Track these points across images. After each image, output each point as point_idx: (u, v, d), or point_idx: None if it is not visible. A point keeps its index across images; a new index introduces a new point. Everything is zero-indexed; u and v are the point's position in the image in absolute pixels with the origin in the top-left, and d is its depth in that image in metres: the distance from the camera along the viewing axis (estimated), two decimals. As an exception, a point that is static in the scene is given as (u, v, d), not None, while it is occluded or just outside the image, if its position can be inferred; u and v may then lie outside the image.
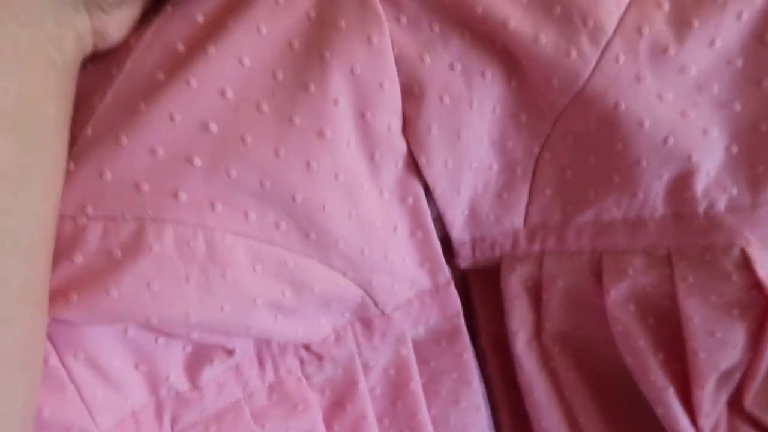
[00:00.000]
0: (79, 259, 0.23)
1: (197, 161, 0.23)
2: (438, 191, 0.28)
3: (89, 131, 0.23)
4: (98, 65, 0.25)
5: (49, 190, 0.22)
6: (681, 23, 0.25)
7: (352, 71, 0.25)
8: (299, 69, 0.24)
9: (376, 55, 0.25)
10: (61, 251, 0.23)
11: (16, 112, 0.20)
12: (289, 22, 0.24)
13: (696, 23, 0.25)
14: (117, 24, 0.24)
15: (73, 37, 0.23)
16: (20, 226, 0.21)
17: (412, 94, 0.26)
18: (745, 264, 0.28)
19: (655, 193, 0.28)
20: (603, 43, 0.24)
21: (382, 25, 0.25)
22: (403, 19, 0.25)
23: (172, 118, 0.23)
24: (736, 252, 0.28)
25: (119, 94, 0.24)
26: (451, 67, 0.25)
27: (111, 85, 0.24)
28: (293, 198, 0.25)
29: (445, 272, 0.31)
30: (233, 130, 0.24)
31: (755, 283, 0.28)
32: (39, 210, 0.22)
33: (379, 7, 0.25)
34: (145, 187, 0.23)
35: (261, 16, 0.24)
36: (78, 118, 0.24)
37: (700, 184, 0.27)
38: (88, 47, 0.24)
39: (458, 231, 0.30)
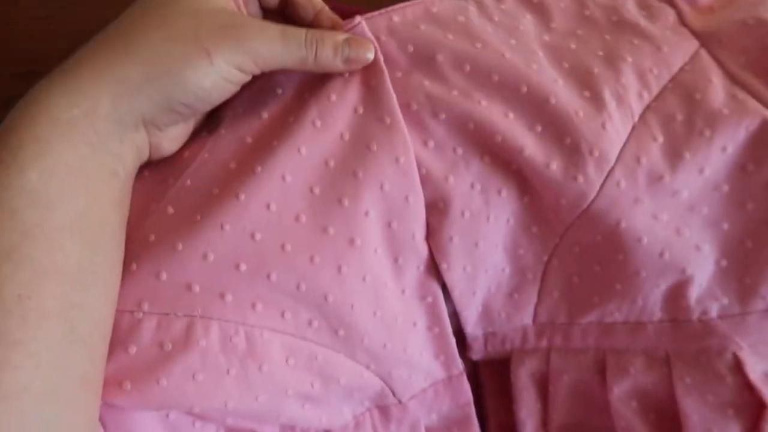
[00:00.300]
0: (133, 350, 0.25)
1: (243, 266, 0.26)
2: (456, 293, 0.30)
3: (151, 237, 0.26)
4: (155, 174, 0.28)
5: (109, 288, 0.25)
6: (674, 155, 0.28)
7: (381, 187, 0.28)
8: (334, 185, 0.27)
9: (403, 174, 0.28)
10: (118, 342, 0.25)
11: (83, 220, 0.23)
12: (326, 144, 0.28)
13: (687, 155, 0.28)
14: (171, 139, 0.27)
15: (133, 151, 0.26)
16: (84, 320, 0.23)
17: (436, 208, 0.29)
18: (738, 367, 0.30)
19: (653, 300, 0.30)
20: (606, 170, 0.28)
21: (408, 147, 0.28)
22: (431, 143, 0.28)
23: (222, 228, 0.26)
24: (728, 356, 0.30)
25: (178, 205, 0.27)
26: (472, 186, 0.29)
27: (167, 194, 0.27)
28: (325, 298, 0.27)
29: (459, 364, 0.33)
30: (275, 239, 0.26)
31: (747, 385, 0.30)
32: (100, 306, 0.24)
33: (406, 131, 0.28)
34: (196, 288, 0.26)
35: (301, 138, 0.27)
36: (135, 221, 0.27)
37: (694, 293, 0.30)
38: (144, 158, 0.27)
39: (472, 327, 0.33)
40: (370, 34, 0.29)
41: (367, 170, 0.28)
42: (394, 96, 0.28)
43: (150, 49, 0.24)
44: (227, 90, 0.26)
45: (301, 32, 0.27)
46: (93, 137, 0.24)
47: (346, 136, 0.28)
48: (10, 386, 0.20)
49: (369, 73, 0.28)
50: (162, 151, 0.28)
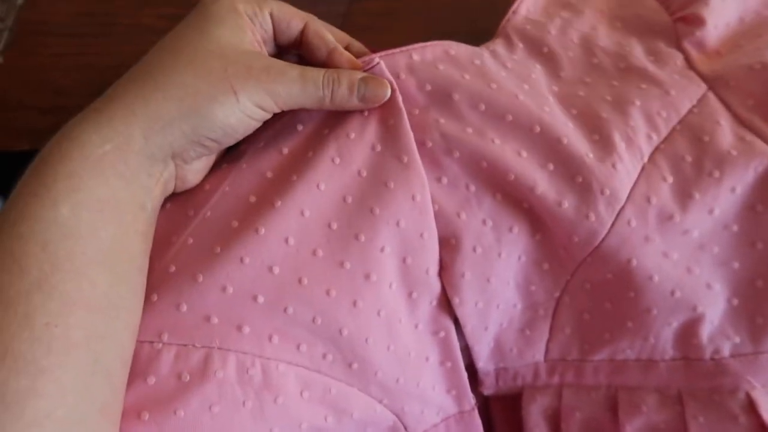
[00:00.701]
0: (152, 380, 0.25)
1: (260, 299, 0.27)
2: (468, 328, 0.31)
3: (172, 268, 0.27)
4: (176, 205, 0.29)
5: (131, 318, 0.25)
6: (684, 195, 0.29)
7: (397, 224, 0.28)
8: (351, 221, 0.28)
9: (418, 211, 0.29)
10: (138, 372, 0.25)
11: (111, 252, 0.24)
12: (344, 180, 0.29)
13: (697, 195, 0.29)
14: (195, 171, 0.28)
15: (160, 185, 0.27)
16: (107, 350, 0.24)
17: (449, 244, 0.29)
18: (751, 407, 0.30)
19: (665, 337, 0.30)
20: (617, 209, 0.28)
21: (425, 185, 0.29)
22: (444, 180, 0.29)
23: (242, 261, 0.27)
24: (741, 395, 0.30)
25: (198, 237, 0.27)
26: (484, 222, 0.29)
27: (189, 226, 0.28)
28: (340, 332, 0.28)
29: (470, 399, 0.33)
30: (292, 272, 0.27)
31: (761, 425, 0.30)
32: (123, 337, 0.25)
33: (422, 170, 0.29)
34: (215, 319, 0.26)
35: (321, 174, 0.28)
36: (156, 251, 0.28)
37: (706, 331, 0.30)
38: (170, 191, 0.28)
39: (484, 362, 0.33)
40: (388, 74, 0.30)
41: (384, 207, 0.28)
42: (411, 134, 0.29)
43: (180, 87, 0.25)
44: (251, 126, 0.27)
45: (319, 73, 0.28)
46: (125, 171, 0.25)
47: (364, 173, 0.29)
48: (35, 413, 0.21)
49: (387, 111, 0.29)
50: (186, 183, 0.28)
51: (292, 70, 0.27)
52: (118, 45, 0.51)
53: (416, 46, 0.31)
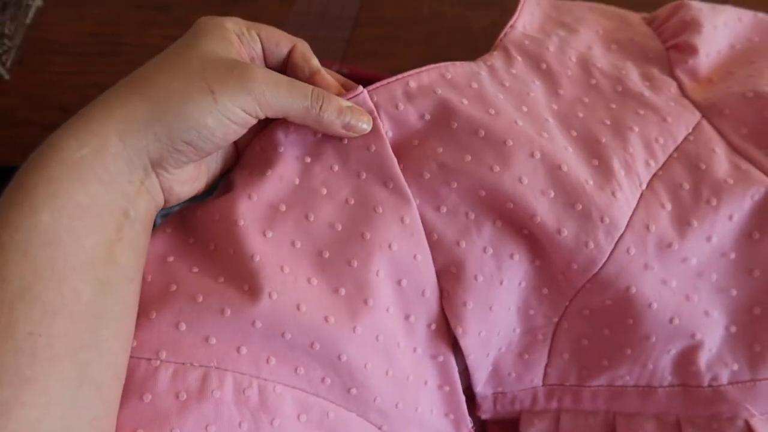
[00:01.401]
0: (148, 398, 0.25)
1: (258, 324, 0.27)
2: (471, 357, 0.31)
3: (173, 287, 0.27)
4: (177, 232, 0.30)
5: (121, 329, 0.25)
6: (682, 222, 0.29)
7: (390, 247, 0.29)
8: (344, 247, 0.28)
9: (409, 233, 0.29)
10: (134, 389, 0.25)
11: (94, 259, 0.24)
12: (333, 209, 0.29)
13: (695, 222, 0.29)
14: (182, 182, 0.28)
15: (144, 195, 0.27)
16: (94, 361, 0.23)
17: (449, 273, 0.30)
18: (750, 435, 0.30)
19: (663, 364, 0.30)
20: (616, 237, 0.28)
21: (412, 207, 0.29)
22: (443, 209, 0.29)
23: (241, 289, 0.27)
24: (740, 423, 0.30)
25: (202, 265, 0.28)
26: (484, 250, 0.29)
27: (190, 253, 0.29)
28: (339, 358, 0.28)
29: (468, 423, 0.33)
30: (290, 299, 0.27)
31: (760, 454, 0.30)
32: (112, 348, 0.24)
33: (409, 193, 0.29)
34: (213, 340, 0.26)
35: (309, 207, 0.29)
36: (155, 268, 0.28)
37: (704, 359, 0.30)
38: (160, 203, 0.28)
39: (482, 386, 0.33)
40: (370, 103, 0.30)
41: (375, 231, 0.29)
42: (394, 159, 0.30)
43: (155, 88, 0.25)
44: (231, 130, 0.27)
45: (308, 86, 0.28)
46: (104, 175, 0.25)
47: (352, 201, 0.29)
48: (20, 425, 0.20)
49: (369, 139, 0.30)
50: (175, 194, 0.28)
51: (281, 76, 0.27)
52: (123, 65, 0.52)
53: (411, 72, 0.31)
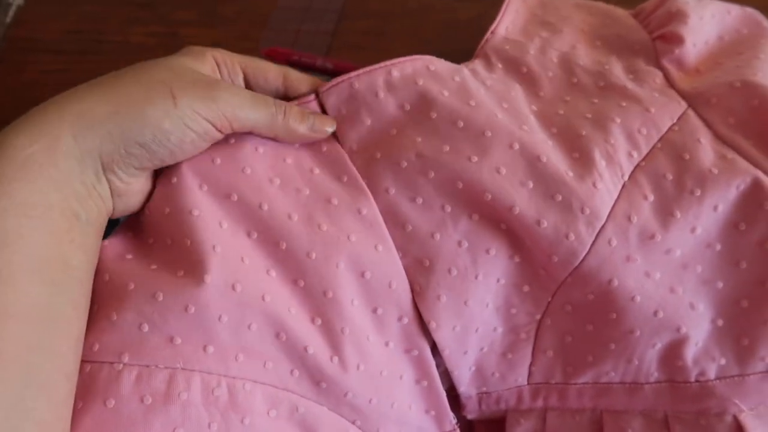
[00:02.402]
0: (111, 403, 0.24)
1: (224, 317, 0.26)
2: (446, 352, 0.30)
3: (131, 285, 0.26)
4: (135, 232, 0.29)
5: (72, 330, 0.24)
6: (665, 213, 0.28)
7: (348, 238, 0.28)
8: (300, 239, 0.28)
9: (368, 224, 0.29)
10: (96, 394, 0.24)
11: (43, 259, 0.23)
12: (287, 200, 0.28)
13: (678, 213, 0.28)
14: (133, 193, 0.28)
15: (95, 198, 0.26)
16: (41, 362, 0.23)
17: (422, 265, 0.29)
18: (739, 431, 0.29)
19: (649, 359, 0.30)
20: (597, 228, 0.28)
21: (369, 199, 0.29)
22: (419, 200, 0.29)
23: (203, 281, 0.26)
24: (728, 419, 0.30)
25: (160, 261, 0.27)
26: (459, 244, 0.29)
27: (149, 250, 0.28)
28: (306, 350, 0.27)
29: (451, 419, 0.32)
30: (254, 290, 0.26)
31: (749, 450, 0.29)
32: (60, 349, 0.24)
33: (364, 186, 0.29)
34: (178, 340, 0.25)
35: (262, 195, 0.28)
36: (112, 267, 0.27)
37: (690, 353, 0.29)
38: (109, 209, 0.27)
39: (465, 386, 0.32)
40: (319, 111, 0.31)
41: (332, 223, 0.28)
42: (347, 158, 0.30)
43: (116, 89, 0.25)
44: (188, 137, 0.26)
45: (268, 96, 0.29)
46: (54, 173, 0.24)
47: (306, 192, 0.29)
48: None
49: (321, 142, 0.30)
50: (126, 203, 0.28)
51: (244, 89, 0.28)
52: (106, 63, 0.51)
53: (396, 61, 0.31)
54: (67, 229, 0.24)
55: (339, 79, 0.30)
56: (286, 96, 0.31)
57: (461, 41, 0.50)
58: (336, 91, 0.30)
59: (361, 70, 0.30)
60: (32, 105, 0.50)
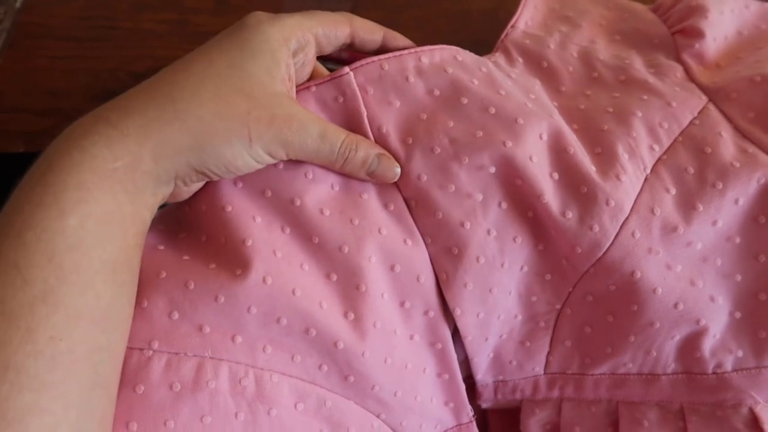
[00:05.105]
0: (141, 389, 0.24)
1: (253, 309, 0.26)
2: (469, 339, 0.30)
3: (163, 273, 0.26)
4: (169, 226, 0.29)
5: (127, 329, 0.25)
6: (687, 206, 0.28)
7: (379, 231, 0.28)
8: (333, 233, 0.28)
9: (396, 219, 0.29)
10: (126, 380, 0.25)
11: (115, 263, 0.24)
12: (319, 194, 0.28)
13: (700, 206, 0.28)
14: (191, 191, 0.28)
15: (160, 200, 0.27)
16: (105, 362, 0.23)
17: (451, 253, 0.29)
18: (754, 423, 0.30)
19: (667, 351, 0.30)
20: (621, 220, 0.28)
21: (395, 193, 0.29)
22: (451, 188, 0.29)
23: (234, 273, 0.26)
24: (744, 411, 0.30)
25: (193, 254, 0.27)
26: (488, 232, 0.29)
27: (181, 243, 0.28)
28: (335, 345, 0.27)
29: (469, 412, 0.33)
30: (285, 284, 0.26)
31: (764, 441, 0.30)
32: (119, 348, 0.24)
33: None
34: (207, 329, 0.26)
35: (296, 190, 0.28)
36: (146, 256, 0.27)
37: (708, 345, 0.30)
38: (163, 202, 0.28)
39: (482, 374, 0.32)
40: (355, 86, 0.29)
41: (363, 217, 0.28)
42: None
43: (198, 121, 0.25)
44: (252, 168, 0.27)
45: (338, 138, 0.28)
46: (131, 188, 0.25)
47: (337, 187, 0.29)
48: (39, 430, 0.20)
49: (352, 131, 0.29)
50: (178, 198, 0.28)
51: (314, 127, 0.27)
52: (116, 49, 0.51)
53: (425, 48, 0.30)
54: (134, 234, 0.25)
55: (369, 59, 0.30)
56: (351, 45, 0.31)
57: (474, 32, 0.50)
58: (364, 70, 0.30)
59: (389, 54, 0.30)
60: (42, 91, 0.49)
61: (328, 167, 0.29)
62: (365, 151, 0.28)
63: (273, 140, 0.26)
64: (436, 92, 0.30)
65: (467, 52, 0.32)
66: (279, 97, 0.27)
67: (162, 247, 0.28)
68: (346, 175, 0.29)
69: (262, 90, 0.26)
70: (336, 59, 0.44)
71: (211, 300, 0.26)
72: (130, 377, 0.25)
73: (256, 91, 0.26)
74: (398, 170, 0.29)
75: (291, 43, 0.28)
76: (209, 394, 0.25)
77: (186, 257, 0.27)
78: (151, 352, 0.25)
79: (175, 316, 0.25)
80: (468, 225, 0.29)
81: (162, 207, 0.29)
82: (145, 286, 0.26)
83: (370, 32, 0.31)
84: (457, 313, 0.29)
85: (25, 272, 0.22)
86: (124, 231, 0.24)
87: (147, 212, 0.26)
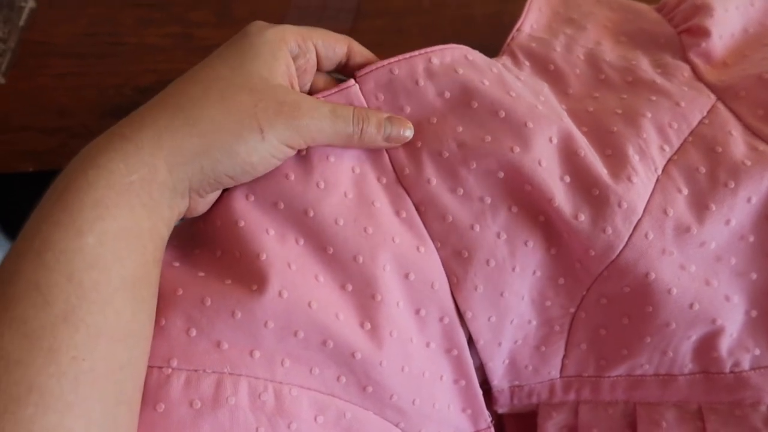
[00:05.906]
0: (161, 407, 0.24)
1: (270, 324, 0.26)
2: (481, 343, 0.30)
3: (179, 291, 0.26)
4: (183, 240, 0.29)
5: (148, 345, 0.25)
6: (700, 206, 0.28)
7: (393, 240, 0.28)
8: (347, 243, 0.28)
9: (408, 226, 0.29)
10: (146, 399, 0.25)
11: (134, 280, 0.24)
12: (332, 204, 0.28)
13: (713, 206, 0.28)
14: (206, 204, 0.28)
15: (176, 214, 0.27)
16: (128, 379, 0.23)
17: (461, 257, 0.29)
18: (773, 421, 0.30)
19: (684, 351, 0.30)
20: (634, 222, 0.28)
21: (407, 201, 0.29)
22: (460, 191, 0.29)
23: (250, 288, 0.26)
24: (763, 409, 0.30)
25: (208, 269, 0.27)
26: (498, 235, 0.29)
27: (197, 258, 0.28)
28: (353, 356, 0.27)
29: (486, 418, 0.33)
30: (300, 297, 0.27)
31: (784, 440, 0.30)
32: (141, 365, 0.24)
33: (402, 187, 0.29)
34: (225, 345, 0.26)
35: (307, 201, 0.28)
36: (162, 273, 0.27)
37: (725, 344, 0.30)
38: (180, 217, 0.28)
39: (498, 379, 0.32)
40: (362, 98, 0.30)
41: (376, 226, 0.28)
42: (387, 156, 0.30)
43: (208, 122, 0.25)
44: (271, 164, 0.27)
45: (348, 110, 0.28)
46: (148, 201, 0.25)
47: (350, 195, 0.29)
48: None
49: None
50: (195, 213, 0.28)
51: (323, 106, 0.28)
52: (122, 65, 0.51)
53: (435, 48, 0.30)
54: (153, 250, 0.25)
55: (378, 63, 0.30)
56: (346, 66, 0.31)
57: (479, 37, 0.51)
58: (374, 76, 0.30)
59: (399, 57, 0.30)
60: (48, 110, 0.49)
61: (347, 145, 0.29)
62: (375, 116, 0.29)
63: (286, 128, 0.26)
64: (447, 95, 0.30)
65: (477, 52, 0.32)
66: (282, 88, 0.27)
67: (177, 264, 0.28)
68: (365, 147, 0.29)
69: (264, 83, 0.27)
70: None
71: (229, 316, 0.26)
72: (150, 396, 0.25)
73: (258, 85, 0.26)
74: (411, 127, 0.29)
75: (290, 44, 0.28)
76: (229, 410, 0.25)
77: (202, 273, 0.27)
78: (170, 370, 0.25)
79: (193, 333, 0.26)
80: (477, 228, 0.29)
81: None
82: (162, 304, 0.26)
83: (365, 58, 0.31)
84: (468, 316, 0.29)
85: (46, 292, 0.22)
86: (143, 247, 0.24)
87: (164, 227, 0.26)
